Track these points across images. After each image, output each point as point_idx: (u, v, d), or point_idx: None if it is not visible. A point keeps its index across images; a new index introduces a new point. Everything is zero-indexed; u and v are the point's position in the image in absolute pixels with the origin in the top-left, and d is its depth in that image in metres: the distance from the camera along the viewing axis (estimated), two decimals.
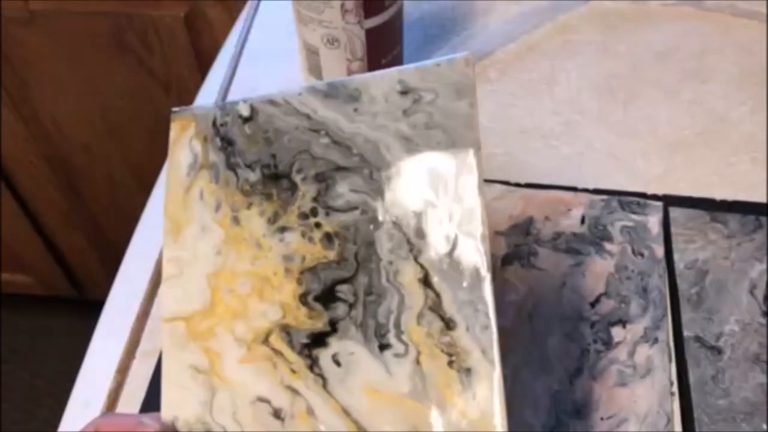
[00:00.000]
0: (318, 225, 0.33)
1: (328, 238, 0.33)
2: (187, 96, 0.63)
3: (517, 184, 0.54)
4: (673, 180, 0.55)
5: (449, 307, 0.30)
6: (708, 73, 0.63)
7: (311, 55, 0.58)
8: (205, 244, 0.34)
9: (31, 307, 1.41)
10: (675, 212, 0.51)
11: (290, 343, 0.32)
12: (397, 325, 0.31)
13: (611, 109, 0.60)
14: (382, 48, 0.58)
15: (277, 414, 0.31)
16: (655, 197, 0.53)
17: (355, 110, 0.34)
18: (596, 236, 0.50)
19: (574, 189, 0.54)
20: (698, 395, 0.44)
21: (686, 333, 0.46)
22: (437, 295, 0.31)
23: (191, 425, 0.32)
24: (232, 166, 0.34)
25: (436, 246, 0.31)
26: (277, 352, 0.32)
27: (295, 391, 0.31)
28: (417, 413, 0.30)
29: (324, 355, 0.31)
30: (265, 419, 0.31)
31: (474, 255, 0.31)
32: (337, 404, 0.31)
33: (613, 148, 0.58)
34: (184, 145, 0.35)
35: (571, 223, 0.51)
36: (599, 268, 0.49)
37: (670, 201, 0.52)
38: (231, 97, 0.63)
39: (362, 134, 0.33)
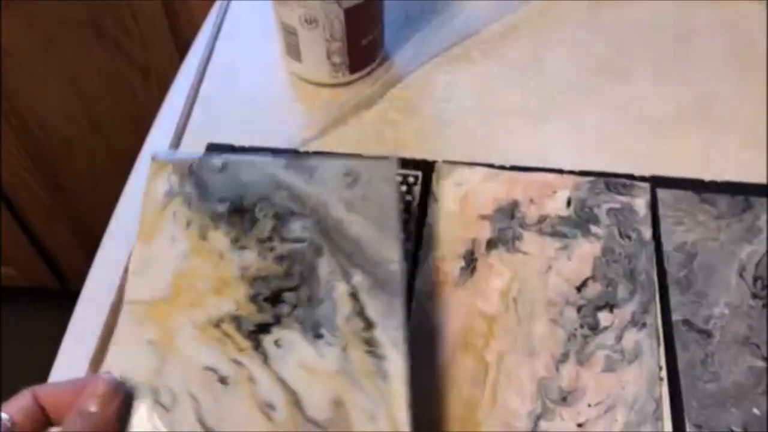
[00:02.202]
0: (272, 248, 0.42)
1: (280, 258, 0.41)
2: (167, 83, 0.62)
3: (502, 167, 0.53)
4: (661, 160, 0.54)
5: (371, 313, 0.39)
6: (696, 52, 0.62)
7: (289, 35, 0.56)
8: (174, 250, 0.42)
9: (16, 299, 1.39)
10: (663, 193, 0.50)
11: (239, 329, 0.39)
12: (330, 323, 0.39)
13: (597, 89, 0.59)
14: (362, 28, 0.56)
15: (222, 380, 0.38)
16: (642, 178, 0.52)
17: (311, 178, 0.44)
18: (582, 219, 0.49)
19: (559, 171, 0.52)
20: (687, 380, 0.43)
21: (675, 316, 0.45)
22: (362, 305, 0.40)
23: (140, 385, 0.37)
24: (203, 198, 0.43)
25: (363, 274, 0.41)
26: (227, 335, 0.39)
27: (239, 364, 0.38)
28: (341, 386, 0.37)
29: (267, 340, 0.39)
30: (212, 384, 0.37)
31: (391, 278, 0.40)
32: (274, 375, 0.38)
33: (600, 128, 0.57)
34: (163, 178, 0.44)
35: (556, 205, 0.50)
36: (586, 252, 0.48)
37: (657, 182, 0.51)
38: (207, 78, 0.62)
39: (315, 194, 0.43)
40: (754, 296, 0.45)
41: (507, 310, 0.45)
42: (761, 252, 0.47)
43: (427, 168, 0.53)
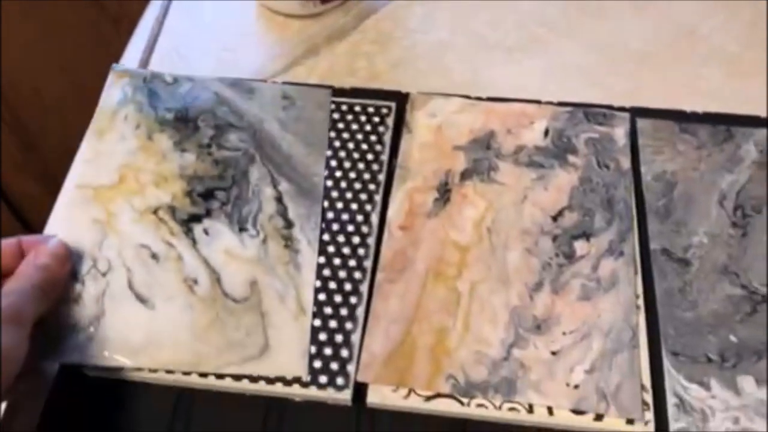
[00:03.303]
0: (210, 153, 0.47)
1: (216, 162, 0.47)
2: None
3: (478, 98, 0.51)
4: (642, 94, 0.52)
5: (292, 215, 0.45)
6: None
7: None
8: (122, 146, 0.48)
9: None
10: (642, 123, 0.49)
11: (173, 217, 0.45)
12: (254, 219, 0.45)
13: (579, 22, 0.57)
14: None
15: (154, 256, 0.43)
16: (622, 109, 0.50)
17: (250, 98, 0.50)
18: (560, 149, 0.48)
19: (537, 102, 0.51)
20: (664, 308, 0.41)
21: (653, 245, 0.44)
22: (285, 207, 0.45)
23: (83, 254, 0.43)
24: (153, 106, 0.49)
25: (289, 183, 0.46)
26: (162, 220, 0.44)
27: (170, 244, 0.43)
28: (257, 271, 0.43)
29: (197, 228, 0.44)
30: (144, 258, 0.43)
31: (314, 189, 0.46)
32: (200, 256, 0.43)
33: (581, 62, 0.55)
34: (118, 87, 0.51)
35: (534, 136, 0.48)
36: (563, 182, 0.46)
37: (637, 112, 0.50)
38: (173, 11, 0.59)
39: (252, 111, 0.49)
40: (734, 225, 0.44)
41: (481, 240, 0.44)
42: (742, 181, 0.46)
43: (400, 99, 0.51)
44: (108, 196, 0.45)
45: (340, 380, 0.39)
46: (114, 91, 0.50)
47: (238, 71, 0.54)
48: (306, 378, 0.39)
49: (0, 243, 0.40)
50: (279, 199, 0.45)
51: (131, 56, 0.57)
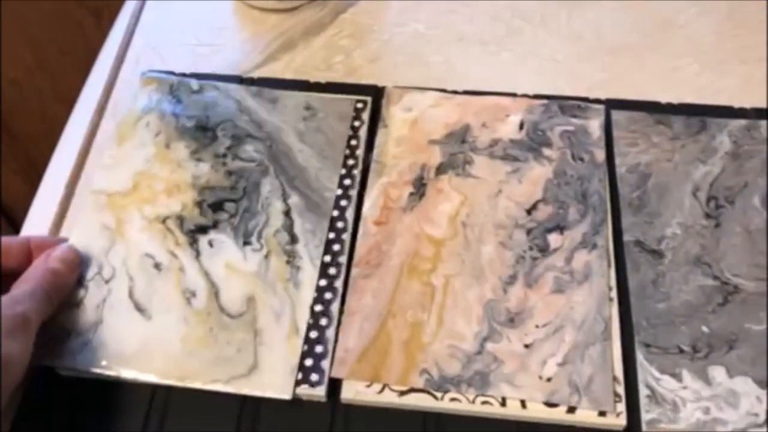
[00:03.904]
0: (225, 164, 0.47)
1: (229, 173, 0.47)
2: None
3: (454, 92, 0.51)
4: (617, 85, 0.52)
5: (298, 230, 0.44)
6: None
7: None
8: (140, 153, 0.48)
9: None
10: (617, 115, 0.49)
11: (181, 227, 0.45)
12: (259, 234, 0.44)
13: (554, 14, 0.57)
14: None
15: (157, 266, 0.43)
16: (597, 101, 0.50)
17: (272, 108, 0.50)
18: (535, 142, 0.48)
19: (513, 95, 0.51)
20: (637, 300, 0.42)
21: (626, 237, 0.44)
22: (292, 222, 0.45)
23: (90, 260, 0.43)
24: (175, 114, 0.50)
25: (299, 196, 0.46)
26: (169, 230, 0.44)
27: (174, 255, 0.43)
28: (255, 286, 0.42)
29: (203, 239, 0.44)
30: (147, 267, 0.43)
31: (323, 203, 0.45)
32: (201, 268, 0.43)
33: (556, 54, 0.55)
34: (145, 94, 0.51)
35: (509, 129, 0.48)
36: (537, 175, 0.46)
37: (612, 104, 0.50)
38: (149, 6, 0.59)
39: (272, 122, 0.49)
40: (707, 216, 0.44)
41: (455, 234, 0.44)
42: (715, 172, 0.46)
43: (376, 93, 0.51)
44: (121, 203, 0.45)
45: (314, 376, 0.39)
46: (141, 98, 0.50)
47: (213, 67, 0.54)
48: (290, 398, 0.39)
49: (2, 240, 0.40)
50: (287, 213, 0.45)
51: (109, 52, 0.56)
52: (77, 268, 0.42)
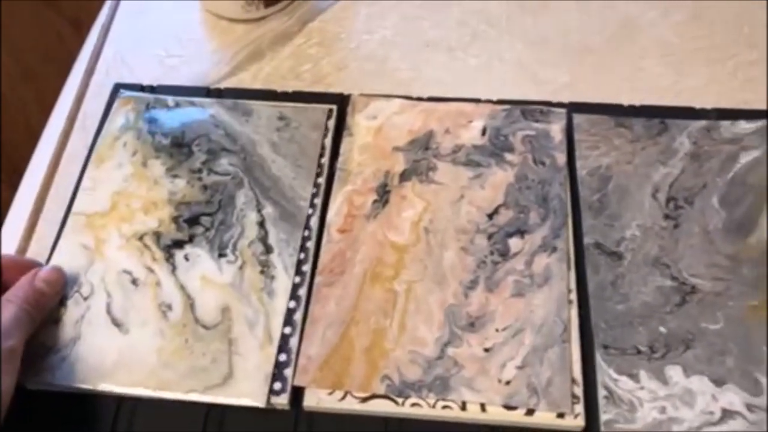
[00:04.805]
0: (200, 178, 0.48)
1: (205, 187, 0.48)
2: None
3: (419, 98, 0.52)
4: (582, 88, 0.53)
5: (272, 240, 0.45)
6: None
7: None
8: (118, 173, 0.49)
9: None
10: (579, 118, 0.49)
11: (157, 243, 0.45)
12: (234, 245, 0.45)
13: (520, 18, 0.58)
14: None
15: (134, 282, 0.44)
16: (560, 105, 0.51)
17: (246, 121, 0.50)
18: (497, 147, 0.48)
19: (476, 101, 0.51)
20: (596, 301, 0.42)
21: (586, 240, 0.44)
22: (266, 232, 0.45)
23: (69, 279, 0.44)
24: (152, 132, 0.50)
25: (273, 206, 0.46)
26: (146, 246, 0.45)
27: (151, 270, 0.44)
28: (230, 297, 0.43)
29: (179, 254, 0.45)
30: (124, 283, 0.44)
31: (298, 212, 0.46)
32: (177, 282, 0.44)
33: (522, 58, 0.55)
34: (123, 113, 0.51)
35: (472, 135, 0.49)
36: (499, 180, 0.47)
37: (575, 108, 0.50)
38: (119, 18, 0.59)
39: (247, 134, 0.50)
40: (667, 217, 0.45)
41: (418, 241, 0.45)
42: (675, 173, 0.47)
43: (342, 102, 0.52)
44: (99, 223, 0.46)
45: (277, 385, 0.40)
46: (117, 118, 0.51)
47: (182, 78, 0.54)
48: (264, 405, 0.39)
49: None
50: (261, 224, 0.45)
51: (81, 63, 0.57)
52: (62, 289, 0.43)
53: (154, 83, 0.54)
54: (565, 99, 0.51)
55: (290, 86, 0.53)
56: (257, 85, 0.54)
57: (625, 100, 0.51)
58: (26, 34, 0.97)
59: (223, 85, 0.54)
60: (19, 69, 1.02)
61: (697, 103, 0.51)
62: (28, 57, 1.00)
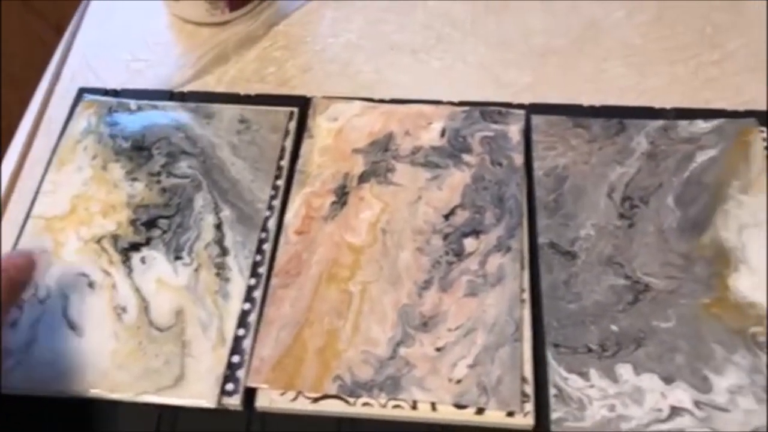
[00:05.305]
0: (159, 182, 0.48)
1: (163, 190, 0.48)
2: None
3: (381, 100, 0.52)
4: (543, 89, 0.53)
5: (228, 242, 0.45)
6: None
7: None
8: (78, 177, 0.49)
9: None
10: (537, 119, 0.50)
11: (115, 246, 0.46)
12: (190, 248, 0.45)
13: (484, 21, 0.58)
14: None
15: (90, 284, 0.44)
16: (520, 106, 0.51)
17: (207, 123, 0.51)
18: (456, 148, 0.49)
19: (437, 102, 0.51)
20: (549, 300, 0.43)
21: (541, 239, 0.45)
22: (223, 235, 0.46)
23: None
24: (113, 136, 0.51)
25: (231, 209, 0.47)
26: (104, 249, 0.46)
27: (108, 273, 0.45)
28: (185, 299, 0.43)
29: (135, 256, 0.45)
30: (81, 285, 0.44)
31: (255, 215, 0.46)
32: (133, 284, 0.44)
33: (485, 60, 0.56)
34: (85, 117, 0.52)
35: (431, 136, 0.49)
36: (456, 180, 0.47)
37: (535, 109, 0.51)
38: (86, 23, 0.60)
39: (207, 137, 0.50)
40: (622, 216, 0.45)
41: (375, 242, 0.45)
42: (631, 173, 0.47)
43: (304, 104, 0.52)
44: (58, 226, 0.47)
45: (230, 386, 0.40)
46: (80, 121, 0.51)
47: (147, 82, 0.55)
48: (214, 406, 0.40)
49: None
50: (218, 227, 0.46)
51: (50, 69, 0.57)
52: (32, 274, 0.44)
53: (119, 88, 0.54)
54: (527, 100, 0.52)
55: (255, 89, 0.54)
56: (221, 89, 0.54)
57: (587, 101, 0.52)
58: (10, 40, 0.97)
59: (187, 89, 0.54)
60: (3, 75, 1.02)
61: (659, 103, 0.51)
62: (12, 63, 1.01)
